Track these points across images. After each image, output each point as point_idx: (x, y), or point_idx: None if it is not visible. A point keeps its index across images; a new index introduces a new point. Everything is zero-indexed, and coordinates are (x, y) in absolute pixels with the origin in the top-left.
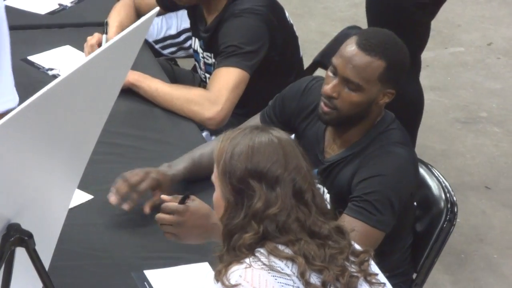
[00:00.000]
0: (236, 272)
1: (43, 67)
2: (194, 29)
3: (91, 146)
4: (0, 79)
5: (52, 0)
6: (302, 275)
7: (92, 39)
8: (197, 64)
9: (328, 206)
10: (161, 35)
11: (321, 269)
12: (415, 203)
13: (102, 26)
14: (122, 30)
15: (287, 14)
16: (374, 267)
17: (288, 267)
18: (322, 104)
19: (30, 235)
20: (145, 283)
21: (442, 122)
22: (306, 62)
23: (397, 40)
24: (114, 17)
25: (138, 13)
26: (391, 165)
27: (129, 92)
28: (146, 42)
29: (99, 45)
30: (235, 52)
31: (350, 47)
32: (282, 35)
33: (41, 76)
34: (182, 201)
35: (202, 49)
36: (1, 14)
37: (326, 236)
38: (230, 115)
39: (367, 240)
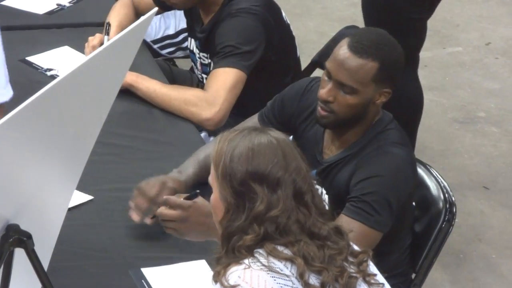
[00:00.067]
0: (235, 273)
1: (42, 68)
2: (191, 30)
3: (90, 146)
4: None
5: (50, 0)
6: (301, 276)
7: (94, 39)
8: (193, 65)
9: (327, 207)
10: (159, 35)
11: (320, 270)
12: (413, 203)
13: (100, 26)
14: (122, 30)
15: (283, 14)
16: (372, 268)
17: (287, 268)
18: (319, 108)
19: (29, 236)
20: (143, 281)
21: (440, 122)
22: (305, 62)
23: (390, 39)
24: (114, 17)
25: (137, 13)
26: (389, 165)
27: (127, 93)
28: (144, 42)
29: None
30: (232, 52)
31: (342, 50)
32: (279, 35)
33: (40, 77)
34: (189, 198)
35: (198, 49)
36: None
37: (326, 237)
38: (228, 115)
39: (365, 240)
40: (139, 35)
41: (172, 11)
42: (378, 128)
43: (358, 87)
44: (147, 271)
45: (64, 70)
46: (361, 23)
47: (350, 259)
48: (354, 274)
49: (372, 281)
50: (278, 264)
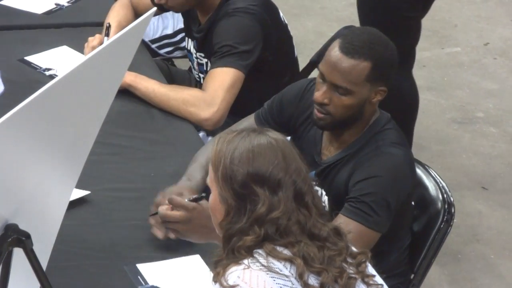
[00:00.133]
0: (234, 273)
1: (40, 67)
2: (188, 30)
3: (88, 146)
4: None
5: (48, 0)
6: (300, 276)
7: (94, 40)
8: (191, 64)
9: (327, 208)
10: (158, 35)
11: (320, 271)
12: (412, 203)
13: (99, 26)
14: (121, 30)
15: (281, 14)
16: (370, 269)
17: (286, 268)
18: (315, 110)
19: (27, 236)
20: (138, 276)
21: (439, 122)
22: (303, 62)
23: (381, 38)
24: (113, 18)
25: (136, 13)
26: (387, 166)
27: (126, 92)
28: (142, 41)
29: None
30: (229, 52)
31: (334, 52)
32: (276, 35)
33: (38, 77)
34: (194, 200)
35: (195, 49)
36: None
37: (325, 238)
38: (226, 115)
39: (363, 241)
40: (138, 35)
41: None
42: (376, 128)
43: (352, 88)
44: (142, 267)
45: (62, 70)
46: (359, 23)
47: (349, 260)
48: (353, 275)
49: (371, 282)
50: (277, 265)
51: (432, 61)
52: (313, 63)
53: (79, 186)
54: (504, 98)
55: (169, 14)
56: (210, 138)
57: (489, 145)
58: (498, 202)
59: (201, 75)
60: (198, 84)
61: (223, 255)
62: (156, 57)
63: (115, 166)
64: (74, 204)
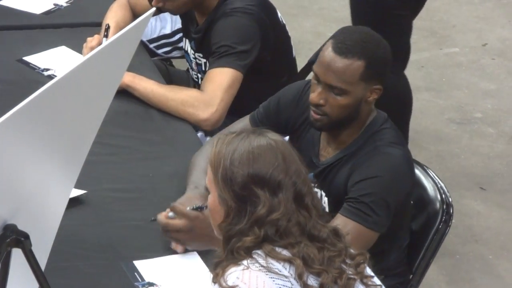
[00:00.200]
0: (233, 274)
1: (39, 68)
2: (185, 30)
3: (87, 146)
4: None
5: (47, 0)
6: (299, 277)
7: (93, 41)
8: (189, 65)
9: (327, 209)
10: (155, 35)
11: (320, 272)
12: (411, 202)
13: (98, 26)
14: (119, 31)
15: (279, 14)
16: (368, 270)
17: (285, 268)
18: (311, 112)
19: (26, 236)
20: (135, 273)
21: (437, 122)
22: (301, 63)
23: (374, 36)
24: (111, 18)
25: (134, 14)
26: (386, 166)
27: (124, 93)
28: (140, 42)
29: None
30: (228, 52)
31: (327, 53)
32: (274, 35)
33: (37, 77)
34: (195, 209)
35: (193, 50)
36: None
37: (325, 239)
38: (225, 116)
39: (362, 240)
40: (137, 36)
41: None
42: (374, 128)
43: (347, 88)
44: (139, 264)
45: (61, 70)
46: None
47: (348, 261)
48: (352, 276)
49: (369, 283)
50: (276, 265)
51: (431, 61)
52: (311, 64)
53: (77, 186)
54: (502, 98)
55: (167, 14)
56: (208, 138)
57: (487, 146)
58: (496, 203)
59: (200, 75)
60: (196, 85)
61: (222, 256)
62: (154, 57)
63: (114, 166)
64: (72, 205)
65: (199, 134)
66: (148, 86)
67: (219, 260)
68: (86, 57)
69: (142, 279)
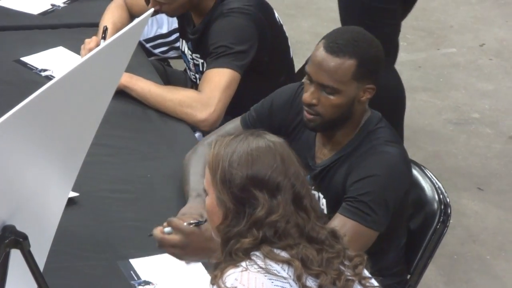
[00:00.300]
0: (232, 276)
1: (36, 68)
2: (182, 31)
3: (85, 147)
4: None
5: (44, 0)
6: (298, 278)
7: (91, 42)
8: (186, 65)
9: (325, 211)
10: (152, 34)
11: (318, 273)
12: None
13: (95, 27)
14: (116, 31)
15: (276, 14)
16: (366, 272)
17: (284, 270)
18: (305, 112)
19: (25, 237)
20: (131, 271)
21: (434, 123)
22: (299, 63)
23: (366, 35)
24: (108, 19)
25: (131, 14)
26: (384, 164)
27: (122, 93)
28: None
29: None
30: (225, 53)
31: (319, 52)
32: (272, 35)
33: (34, 77)
34: (193, 224)
35: (190, 50)
36: None
37: (323, 241)
38: (223, 116)
39: (361, 240)
40: (135, 37)
41: None
42: (369, 127)
43: (339, 87)
44: (135, 262)
45: (58, 71)
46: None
47: (346, 262)
48: (351, 277)
49: (368, 284)
50: (275, 267)
51: (428, 62)
52: None
53: (75, 186)
54: (499, 98)
55: (163, 14)
56: None
57: (484, 146)
58: (494, 203)
59: (197, 76)
60: (194, 85)
61: (220, 258)
62: (151, 57)
63: (111, 167)
64: (70, 205)
65: (197, 134)
66: (145, 86)
67: (218, 261)
68: (84, 58)
69: (139, 278)
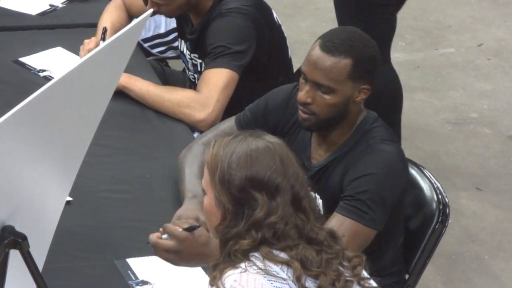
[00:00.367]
0: (231, 277)
1: (35, 69)
2: (180, 31)
3: (84, 148)
4: None
5: (43, 1)
6: (297, 280)
7: (90, 43)
8: (185, 66)
9: (321, 211)
10: (150, 34)
11: (318, 274)
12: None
13: (93, 27)
14: (115, 32)
15: (274, 14)
16: (364, 272)
17: (283, 271)
18: (300, 111)
19: (24, 237)
20: (129, 271)
21: (433, 123)
22: (297, 63)
23: (362, 35)
24: (106, 19)
25: (129, 14)
26: (381, 162)
27: (120, 94)
28: None
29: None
30: (223, 53)
31: (315, 51)
32: (270, 35)
33: (33, 78)
34: (188, 229)
35: (189, 50)
36: None
37: (322, 242)
38: (221, 116)
39: (360, 238)
40: (134, 38)
41: None
42: (365, 127)
43: (334, 86)
44: (132, 261)
45: (57, 71)
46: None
47: (345, 263)
48: (349, 278)
49: (366, 285)
50: (274, 268)
51: (426, 62)
52: None
53: (73, 187)
54: (498, 98)
55: None
56: None
57: (483, 146)
58: (492, 203)
59: (196, 76)
60: (192, 85)
61: (219, 259)
62: (149, 57)
63: (110, 167)
64: (69, 206)
65: (195, 134)
66: (144, 86)
67: (216, 262)
68: (83, 59)
69: (136, 278)
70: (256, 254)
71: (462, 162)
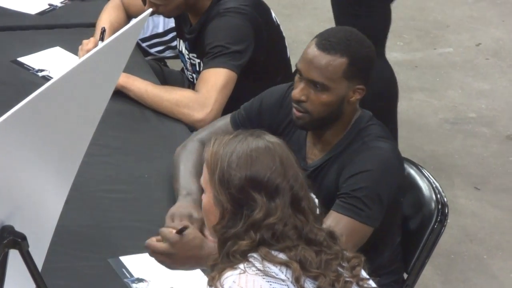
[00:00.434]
0: (230, 278)
1: (33, 69)
2: (179, 31)
3: (84, 148)
4: None
5: (42, 0)
6: (297, 281)
7: (89, 43)
8: (183, 65)
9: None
10: (148, 33)
11: (317, 275)
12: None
13: (92, 27)
14: (113, 32)
15: (273, 14)
16: (363, 273)
17: (282, 272)
18: (294, 109)
19: (23, 237)
20: (123, 269)
21: (431, 123)
22: (295, 63)
23: (358, 35)
24: (105, 19)
25: (128, 14)
26: (376, 160)
27: (119, 94)
28: None
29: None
30: (222, 52)
31: (311, 50)
32: (268, 35)
33: (31, 78)
34: (179, 231)
35: (187, 50)
36: None
37: (321, 243)
38: (220, 116)
39: (356, 236)
40: (133, 38)
41: None
42: (360, 125)
43: (329, 84)
44: (126, 259)
45: (56, 71)
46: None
47: (344, 264)
48: (349, 279)
49: (365, 285)
50: (273, 269)
51: (425, 61)
52: None
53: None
54: (496, 98)
55: None
56: None
57: (481, 145)
58: (491, 202)
59: (195, 76)
60: (191, 85)
61: (218, 259)
62: (147, 57)
63: (109, 167)
64: (69, 205)
65: None
66: (142, 86)
67: (214, 262)
68: (81, 59)
69: (131, 275)
70: (255, 255)
71: (460, 161)
